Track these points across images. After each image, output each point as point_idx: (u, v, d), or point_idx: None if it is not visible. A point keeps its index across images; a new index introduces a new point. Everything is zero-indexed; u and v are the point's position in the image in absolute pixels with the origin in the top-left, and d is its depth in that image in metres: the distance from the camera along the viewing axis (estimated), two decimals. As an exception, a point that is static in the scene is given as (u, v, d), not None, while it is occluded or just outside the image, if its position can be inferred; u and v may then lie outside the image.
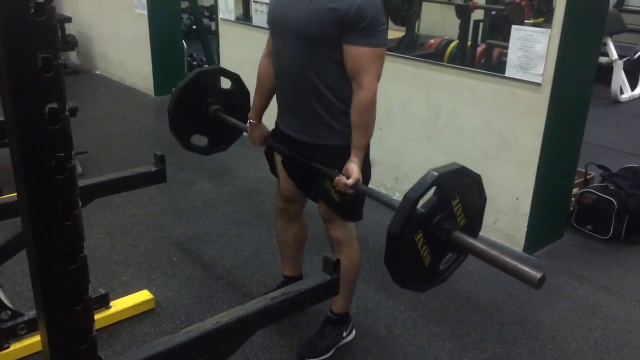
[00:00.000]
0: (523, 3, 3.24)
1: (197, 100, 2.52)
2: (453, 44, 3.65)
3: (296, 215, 2.43)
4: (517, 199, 3.09)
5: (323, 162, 2.04)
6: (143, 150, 4.33)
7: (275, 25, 2.08)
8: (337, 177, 1.96)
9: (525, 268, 1.44)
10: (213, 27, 6.13)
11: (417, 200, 1.50)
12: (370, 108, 1.94)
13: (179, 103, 2.49)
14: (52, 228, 1.02)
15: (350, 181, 1.91)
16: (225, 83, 2.66)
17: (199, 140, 2.69)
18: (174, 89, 2.54)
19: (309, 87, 1.99)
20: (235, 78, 2.58)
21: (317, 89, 1.98)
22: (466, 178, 1.63)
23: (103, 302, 2.45)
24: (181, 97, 2.48)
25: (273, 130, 2.27)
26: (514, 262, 1.46)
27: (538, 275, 1.41)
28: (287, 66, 2.05)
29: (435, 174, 1.53)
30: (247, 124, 2.35)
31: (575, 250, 3.23)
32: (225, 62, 4.84)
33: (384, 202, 1.84)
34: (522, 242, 3.13)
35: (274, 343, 2.37)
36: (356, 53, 1.88)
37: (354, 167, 1.93)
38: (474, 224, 1.68)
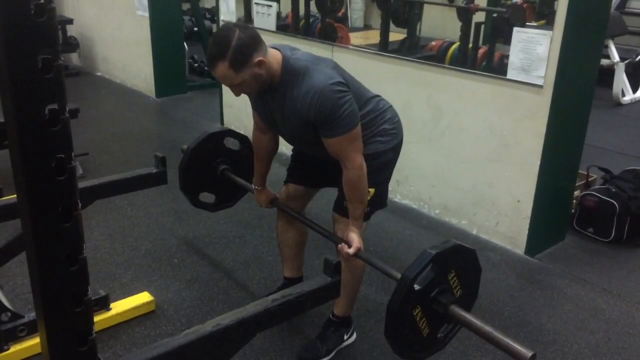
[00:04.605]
0: (524, 5, 3.24)
1: (206, 160, 2.60)
2: (454, 46, 3.65)
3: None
4: (518, 201, 3.09)
5: None
6: (144, 152, 4.33)
7: (265, 122, 2.21)
8: (339, 246, 2.07)
9: (517, 346, 1.50)
10: (214, 29, 6.13)
11: (415, 279, 1.59)
12: (359, 183, 2.02)
13: (190, 162, 2.57)
14: (52, 230, 1.02)
15: (351, 251, 2.02)
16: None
17: (206, 197, 2.75)
18: (185, 147, 2.59)
19: (321, 154, 2.06)
20: (242, 139, 2.66)
21: (328, 156, 2.05)
22: (462, 253, 1.71)
23: (103, 303, 2.45)
24: (193, 157, 2.56)
25: (293, 148, 2.39)
26: (507, 340, 1.53)
27: (529, 353, 1.47)
28: (293, 144, 2.29)
29: (432, 252, 1.61)
30: (253, 188, 2.47)
31: (577, 252, 3.22)
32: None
33: (384, 271, 1.93)
34: (523, 245, 3.12)
35: (275, 345, 2.37)
36: (330, 144, 1.97)
37: (354, 237, 2.03)
38: (469, 294, 1.76)
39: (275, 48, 1.99)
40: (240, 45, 1.82)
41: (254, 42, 1.87)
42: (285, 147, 2.40)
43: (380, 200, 2.20)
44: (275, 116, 2.08)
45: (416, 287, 1.60)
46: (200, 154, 2.57)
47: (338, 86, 1.90)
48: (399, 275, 1.67)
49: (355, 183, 2.01)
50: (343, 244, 2.05)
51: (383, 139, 2.13)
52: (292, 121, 2.00)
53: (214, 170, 2.61)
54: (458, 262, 1.69)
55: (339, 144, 1.95)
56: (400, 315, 1.60)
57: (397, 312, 1.59)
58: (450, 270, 1.66)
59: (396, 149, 2.21)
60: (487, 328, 1.57)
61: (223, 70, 1.85)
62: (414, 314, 1.62)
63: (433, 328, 1.68)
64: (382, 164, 2.14)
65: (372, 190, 2.08)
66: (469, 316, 1.62)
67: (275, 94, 1.99)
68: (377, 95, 2.19)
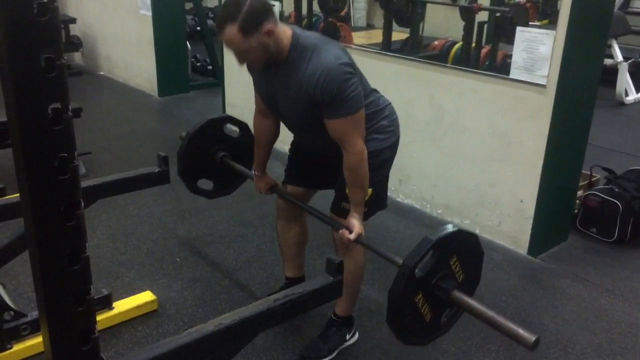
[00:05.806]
0: (528, 5, 3.24)
1: (205, 146, 2.58)
2: (457, 45, 3.64)
3: (297, 215, 2.43)
4: (521, 201, 3.08)
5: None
6: (146, 151, 4.33)
7: (267, 103, 2.16)
8: (340, 231, 2.04)
9: (521, 330, 1.49)
10: (217, 29, 6.13)
11: (415, 267, 1.57)
12: (360, 167, 1.99)
13: (189, 148, 2.55)
14: (54, 229, 1.01)
15: (352, 236, 2.00)
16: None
17: (205, 184, 2.73)
18: (184, 134, 2.58)
19: (320, 141, 2.05)
20: (242, 126, 2.64)
21: (329, 140, 2.02)
22: (463, 238, 1.70)
23: (106, 302, 2.45)
24: (192, 142, 2.55)
25: (293, 141, 2.37)
26: (510, 324, 1.52)
27: (533, 337, 1.46)
28: (292, 128, 2.22)
29: (432, 239, 1.59)
30: (253, 175, 2.44)
31: (580, 253, 3.21)
32: (229, 63, 4.85)
33: (385, 257, 1.92)
34: (526, 245, 3.12)
35: (277, 345, 2.37)
36: (333, 125, 1.94)
37: (355, 223, 2.01)
38: (472, 278, 1.75)
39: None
40: (252, 11, 1.80)
41: (265, 11, 1.84)
42: (286, 146, 2.40)
43: (378, 200, 2.19)
44: (277, 96, 2.04)
45: (417, 273, 1.58)
46: (199, 140, 2.55)
47: (346, 67, 1.88)
48: (400, 261, 1.65)
49: (356, 168, 1.98)
50: (344, 229, 2.03)
51: (381, 136, 2.12)
52: (296, 101, 1.96)
53: (213, 157, 2.59)
54: (459, 247, 1.67)
55: (342, 125, 1.92)
56: (402, 302, 1.58)
57: (399, 300, 1.57)
58: (452, 255, 1.64)
59: (393, 148, 2.20)
60: (490, 313, 1.56)
61: (231, 34, 1.81)
62: (416, 300, 1.60)
63: (436, 313, 1.66)
64: (379, 163, 2.13)
65: (369, 190, 2.07)
66: (471, 301, 1.60)
67: (280, 71, 1.95)
68: (377, 90, 2.18)
